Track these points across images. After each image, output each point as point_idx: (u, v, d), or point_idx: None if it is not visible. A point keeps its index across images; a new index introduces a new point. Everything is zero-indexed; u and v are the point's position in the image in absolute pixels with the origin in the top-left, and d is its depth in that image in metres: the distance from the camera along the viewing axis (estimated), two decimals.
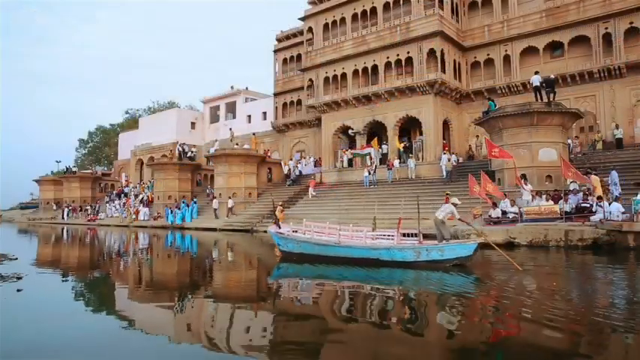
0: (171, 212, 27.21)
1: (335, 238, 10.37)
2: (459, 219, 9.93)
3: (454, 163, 21.36)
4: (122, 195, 36.11)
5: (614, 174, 13.69)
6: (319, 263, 9.86)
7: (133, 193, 34.82)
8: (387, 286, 7.76)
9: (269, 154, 31.36)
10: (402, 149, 23.78)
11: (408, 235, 10.39)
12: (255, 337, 5.15)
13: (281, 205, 21.74)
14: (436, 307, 6.34)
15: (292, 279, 9.24)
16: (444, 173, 20.56)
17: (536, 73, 17.07)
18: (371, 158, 23.79)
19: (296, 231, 11.48)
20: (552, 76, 17.41)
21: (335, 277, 8.81)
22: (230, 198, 25.79)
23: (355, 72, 25.32)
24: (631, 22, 19.37)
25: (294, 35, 31.52)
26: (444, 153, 21.47)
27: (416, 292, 7.37)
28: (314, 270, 9.50)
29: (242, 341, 4.96)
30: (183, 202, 27.39)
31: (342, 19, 25.96)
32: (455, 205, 9.75)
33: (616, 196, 12.60)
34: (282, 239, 11.24)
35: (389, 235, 10.64)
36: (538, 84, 16.48)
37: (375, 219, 11.90)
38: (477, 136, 23.35)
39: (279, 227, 11.65)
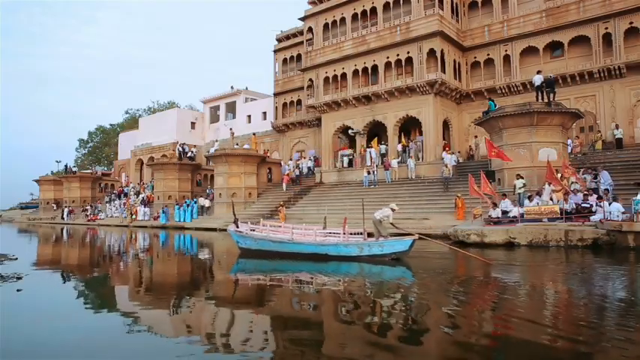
0: (164, 212, 27.21)
1: (288, 235, 11.49)
2: (391, 222, 10.77)
3: (454, 163, 21.30)
4: (122, 195, 36.09)
5: (606, 174, 13.67)
6: (274, 259, 10.95)
7: (132, 192, 34.79)
8: (331, 275, 8.89)
9: (268, 154, 31.35)
10: (402, 147, 23.63)
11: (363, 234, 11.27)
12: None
13: (282, 205, 21.77)
14: (371, 292, 7.49)
15: (251, 272, 10.16)
16: (443, 177, 20.37)
17: (539, 72, 17.00)
18: (371, 158, 23.78)
19: (254, 230, 12.34)
20: (552, 76, 17.38)
21: (288, 270, 9.80)
22: (206, 199, 26.71)
23: (355, 72, 25.32)
24: (631, 22, 19.38)
25: (294, 35, 31.51)
26: (448, 153, 21.29)
27: (354, 280, 8.55)
28: (270, 264, 10.62)
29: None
30: (186, 202, 27.37)
31: (342, 19, 25.95)
32: (393, 210, 10.88)
33: (614, 195, 12.59)
34: (240, 237, 12.20)
35: (337, 233, 11.69)
36: (540, 84, 16.46)
37: (326, 218, 13.10)
38: (476, 136, 23.35)
39: (238, 226, 12.42)
